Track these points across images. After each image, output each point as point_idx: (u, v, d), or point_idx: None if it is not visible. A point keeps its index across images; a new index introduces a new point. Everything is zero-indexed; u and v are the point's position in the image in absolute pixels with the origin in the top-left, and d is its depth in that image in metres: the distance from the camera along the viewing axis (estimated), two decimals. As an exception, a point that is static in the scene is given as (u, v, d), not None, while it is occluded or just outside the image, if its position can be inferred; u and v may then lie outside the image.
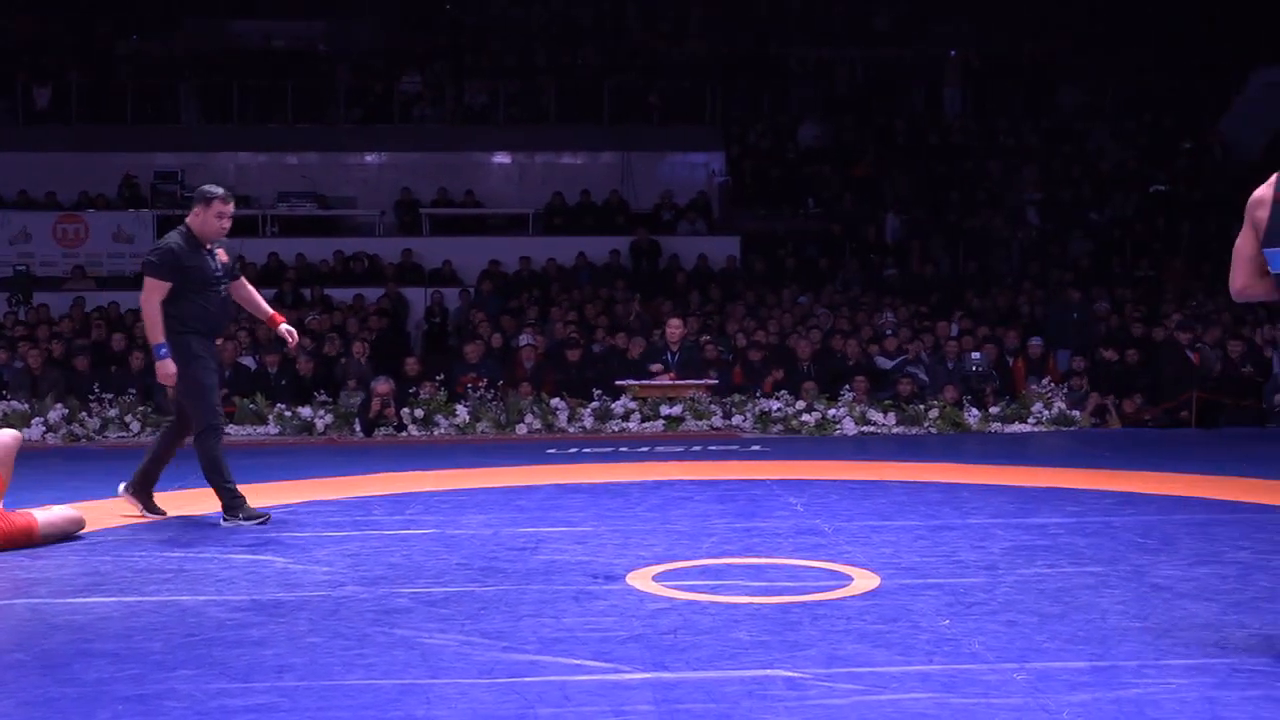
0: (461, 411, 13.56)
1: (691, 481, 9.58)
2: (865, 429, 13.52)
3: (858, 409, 13.67)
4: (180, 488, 9.11)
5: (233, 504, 7.59)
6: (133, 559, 6.68)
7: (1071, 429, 13.73)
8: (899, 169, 22.13)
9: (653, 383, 13.97)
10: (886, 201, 21.38)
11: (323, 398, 13.83)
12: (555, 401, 13.80)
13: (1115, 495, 8.70)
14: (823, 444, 12.69)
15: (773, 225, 21.03)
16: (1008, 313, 17.52)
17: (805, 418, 13.55)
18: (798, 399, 13.84)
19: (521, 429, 13.49)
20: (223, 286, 7.67)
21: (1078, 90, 24.35)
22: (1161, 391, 14.44)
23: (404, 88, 23.77)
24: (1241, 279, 4.81)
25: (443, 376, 14.28)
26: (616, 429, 13.50)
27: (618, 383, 14.01)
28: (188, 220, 7.60)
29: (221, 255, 7.69)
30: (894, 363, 15.05)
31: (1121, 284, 18.64)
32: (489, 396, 13.82)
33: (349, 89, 23.74)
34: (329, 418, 13.52)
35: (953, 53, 24.65)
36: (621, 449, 12.11)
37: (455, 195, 21.97)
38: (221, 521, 7.56)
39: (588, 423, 13.62)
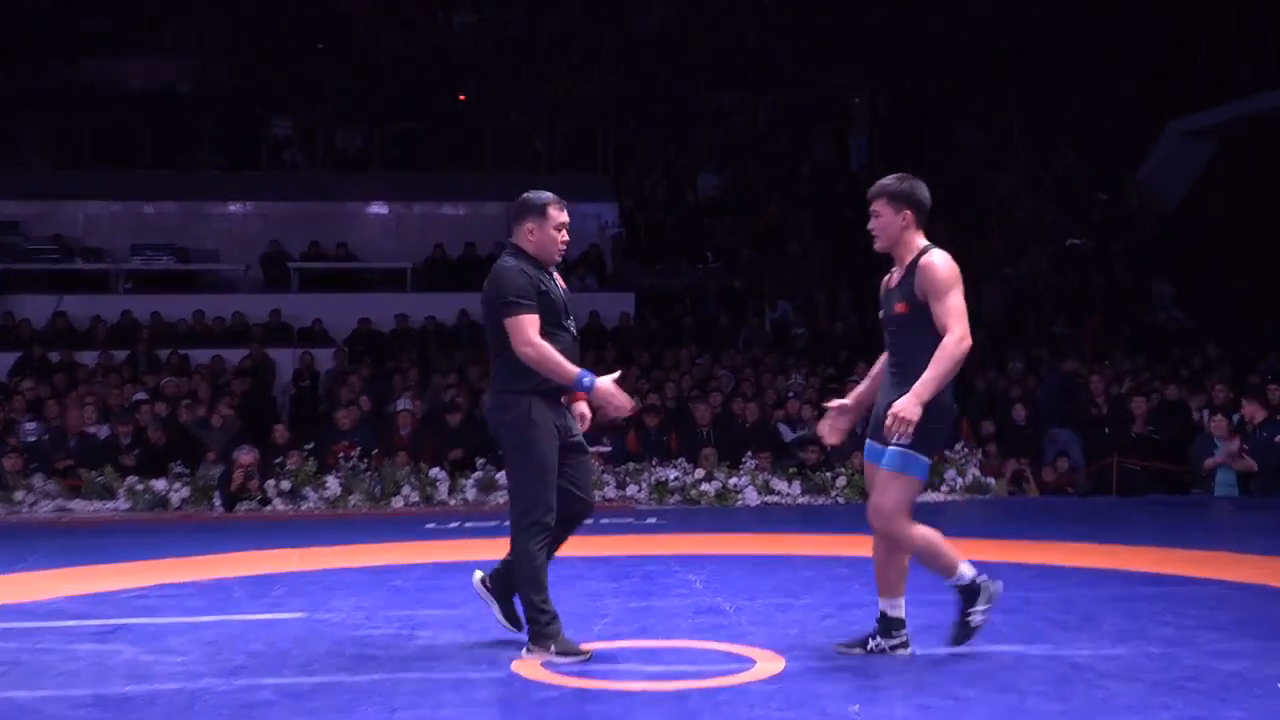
0: (332, 483, 13.42)
1: (582, 558, 9.51)
2: (769, 499, 13.57)
3: (760, 477, 13.72)
4: (20, 569, 8.91)
5: (545, 630, 6.19)
6: (-37, 651, 6.49)
7: (986, 498, 13.87)
8: (804, 219, 22.39)
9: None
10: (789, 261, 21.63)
11: (179, 469, 13.62)
12: (435, 471, 13.71)
13: (1033, 568, 8.79)
14: (724, 515, 12.71)
15: (669, 280, 21.14)
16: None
17: (705, 487, 13.58)
18: (696, 467, 13.86)
19: (398, 502, 13.38)
20: (573, 325, 6.36)
21: (983, 134, 24.81)
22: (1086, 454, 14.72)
23: (273, 132, 23.63)
24: None
25: (312, 445, 14.11)
26: (502, 501, 13.41)
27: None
28: (516, 242, 6.31)
29: (561, 282, 6.41)
30: (798, 431, 15.12)
31: (1036, 343, 18.93)
32: (362, 467, 13.70)
33: (212, 133, 23.54)
34: (185, 491, 13.33)
35: (857, 99, 25.05)
36: (506, 523, 12.05)
37: (327, 248, 21.81)
38: (525, 652, 6.17)
39: (471, 494, 13.54)
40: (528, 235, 6.28)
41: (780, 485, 13.66)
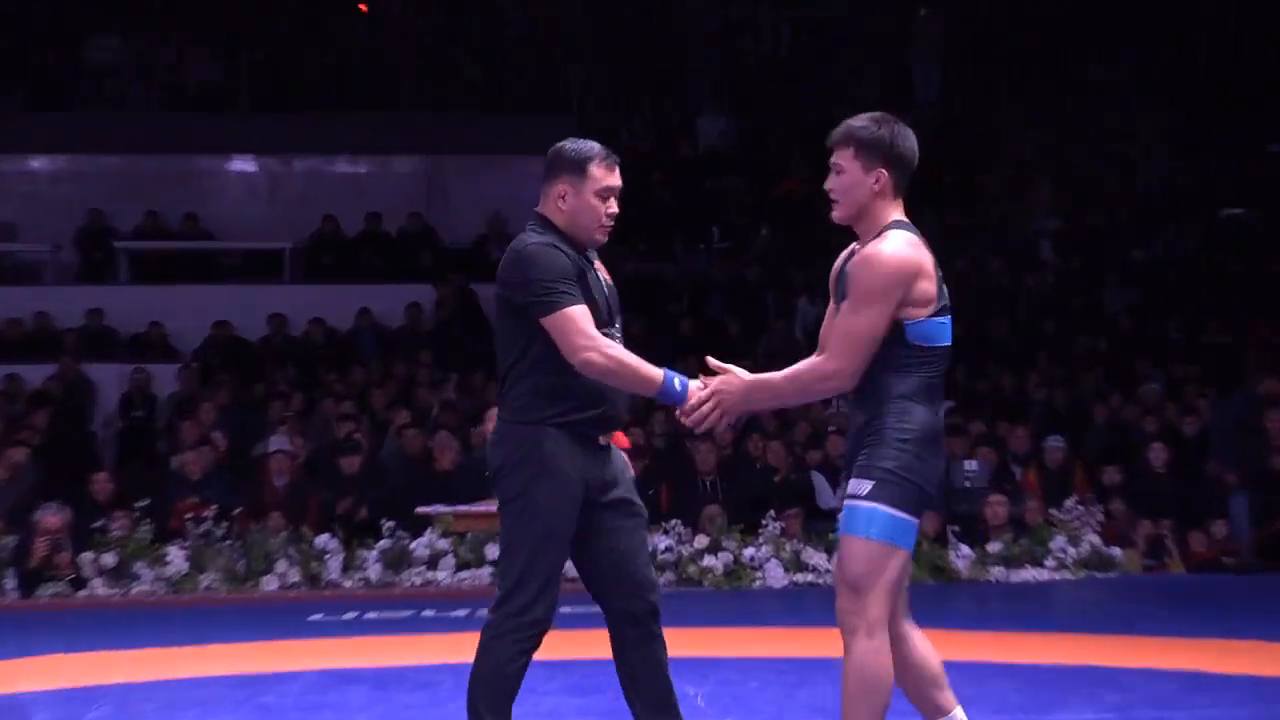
0: (176, 557, 13.39)
1: (537, 663, 9.45)
2: (799, 577, 13.53)
3: (787, 547, 13.68)
4: None
5: None
6: None
7: (1111, 575, 13.84)
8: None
9: (475, 509, 13.86)
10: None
11: (-46, 535, 13.59)
12: (322, 539, 13.68)
13: (1179, 677, 8.74)
14: (735, 601, 12.67)
15: (658, 266, 21.08)
16: (1013, 400, 17.68)
17: (709, 561, 13.53)
18: (696, 533, 13.81)
19: (270, 583, 13.36)
20: (619, 331, 6.19)
21: (1108, 68, 24.76)
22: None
23: (90, 56, 23.56)
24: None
25: (147, 502, 14.05)
26: (419, 581, 13.41)
27: (420, 510, 13.90)
28: (543, 211, 6.12)
29: (604, 272, 6.25)
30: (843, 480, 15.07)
31: (1179, 354, 18.90)
32: (219, 533, 13.65)
33: (7, 58, 23.48)
34: (-36, 568, 13.30)
35: (923, 11, 24.99)
36: (426, 613, 12.03)
37: (170, 221, 21.75)
38: None
39: (374, 572, 13.51)
40: (558, 202, 6.04)
41: (816, 558, 13.61)
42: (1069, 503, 14.52)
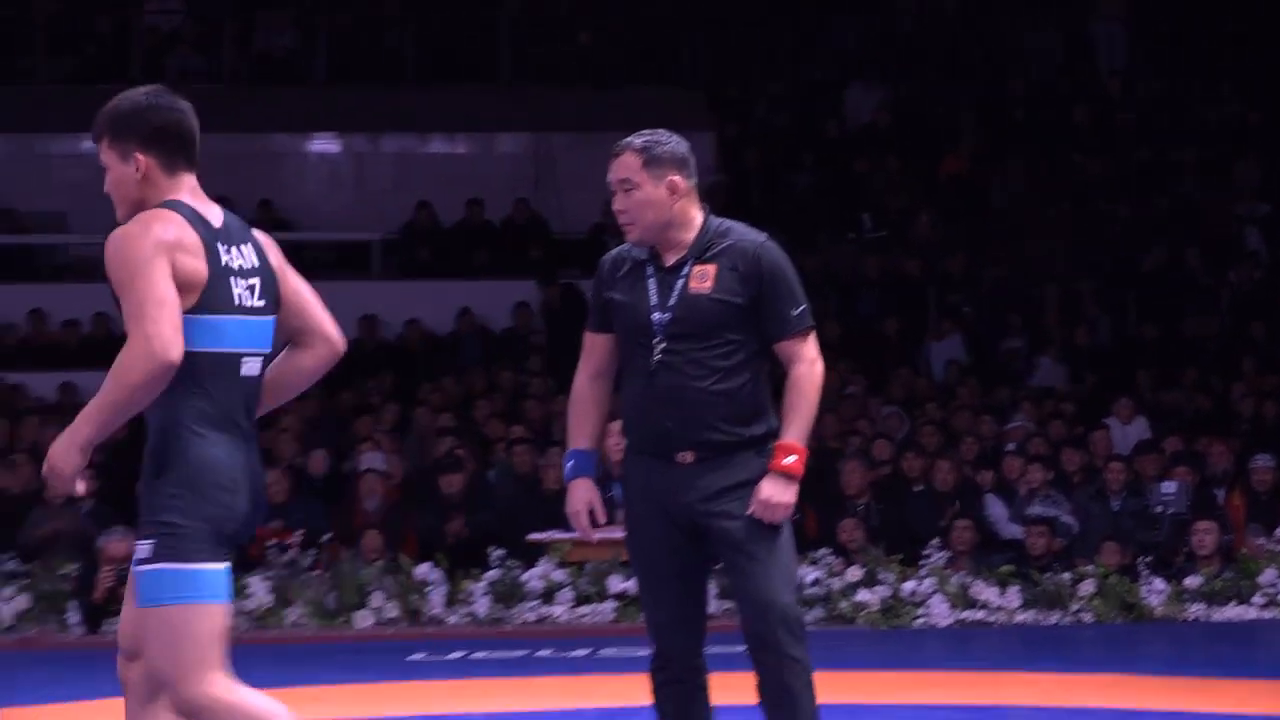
0: (259, 589, 13.55)
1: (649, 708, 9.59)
2: (968, 614, 13.57)
3: (954, 581, 13.73)
4: None
5: None
6: None
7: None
8: (1016, 160, 22.29)
9: (600, 536, 13.96)
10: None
11: (9, 566, 13.80)
12: (423, 569, 13.80)
13: None
14: (893, 641, 12.74)
15: (801, 259, 20.98)
16: (1214, 412, 17.62)
17: (863, 596, 13.59)
18: (849, 565, 13.88)
19: (365, 618, 13.49)
20: (660, 345, 6.20)
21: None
22: None
23: (147, 24, 23.80)
24: None
25: (224, 527, 14.26)
26: (532, 618, 13.51)
27: (533, 537, 14.02)
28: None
29: (699, 277, 6.23)
30: (1024, 506, 15.10)
31: None
32: (306, 562, 13.82)
33: (50, 26, 23.72)
34: (22, 601, 13.49)
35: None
36: (541, 652, 12.14)
37: (242, 209, 21.94)
38: None
39: (481, 607, 13.62)
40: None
41: (987, 593, 13.65)
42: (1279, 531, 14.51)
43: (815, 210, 21.85)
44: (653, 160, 6.10)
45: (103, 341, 19.37)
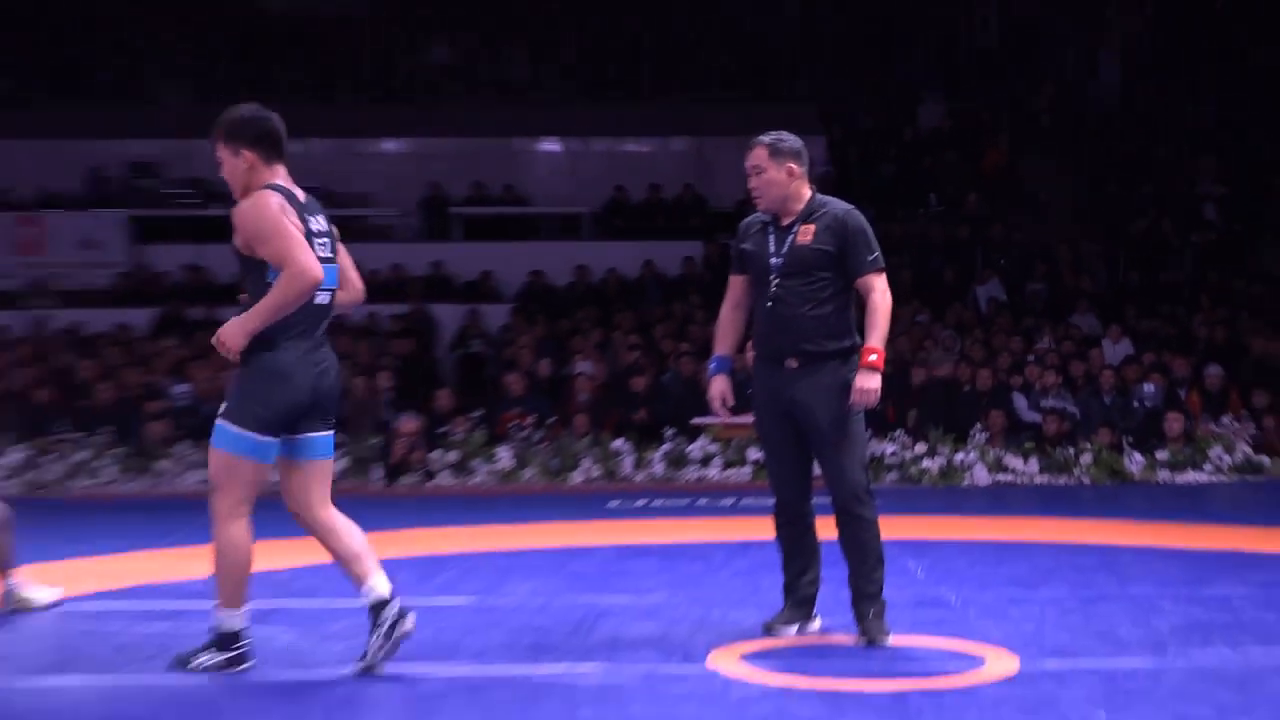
0: (504, 455, 13.65)
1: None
2: (1001, 477, 13.49)
3: (991, 453, 13.65)
4: (165, 546, 9.26)
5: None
6: (110, 633, 6.79)
7: (1260, 478, 13.60)
8: (1041, 156, 22.00)
9: (738, 420, 13.96)
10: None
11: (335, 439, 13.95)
12: (618, 443, 13.86)
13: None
14: (948, 496, 12.67)
15: (885, 227, 20.89)
16: (1179, 335, 17.38)
17: (926, 464, 13.55)
18: (916, 441, 13.83)
19: (577, 477, 13.56)
20: (775, 282, 6.38)
21: (1272, 52, 23.95)
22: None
23: (431, 60, 23.90)
24: None
25: (480, 413, 14.36)
26: (694, 477, 13.54)
27: (695, 421, 14.03)
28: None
29: (804, 233, 6.39)
30: (1038, 400, 14.96)
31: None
32: (537, 437, 13.90)
33: (363, 61, 23.87)
34: (343, 462, 13.63)
35: (1108, 10, 24.45)
36: (700, 501, 12.14)
37: (493, 191, 22.03)
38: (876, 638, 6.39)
39: (658, 469, 13.66)
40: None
41: (1014, 462, 13.57)
42: (1225, 419, 14.32)
43: (895, 192, 21.58)
44: (776, 153, 6.32)
45: (395, 283, 19.61)
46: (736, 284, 6.60)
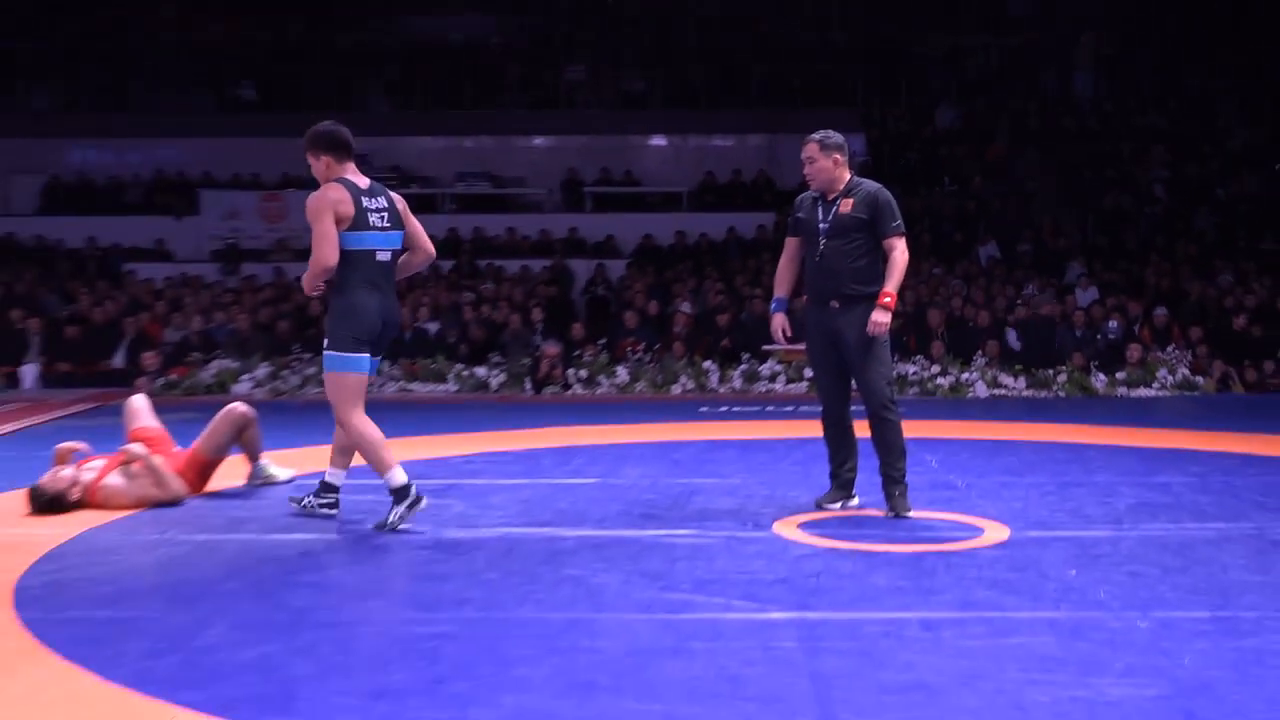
0: (621, 373, 13.66)
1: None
2: (997, 391, 13.32)
3: (989, 373, 13.47)
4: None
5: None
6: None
7: (1195, 394, 13.34)
8: (1030, 150, 21.64)
9: (795, 347, 13.87)
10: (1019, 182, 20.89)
11: (496, 359, 14.04)
12: (707, 364, 13.81)
13: (1238, 457, 8.46)
14: (956, 405, 12.52)
15: (908, 203, 20.69)
16: (1133, 283, 17.06)
17: (939, 381, 13.39)
18: (932, 364, 13.68)
19: (676, 389, 13.54)
20: (822, 242, 6.28)
21: (1203, 73, 23.51)
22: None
23: (568, 76, 23.87)
24: None
25: (604, 341, 14.36)
26: (763, 390, 13.49)
27: (764, 348, 13.96)
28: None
29: (845, 205, 6.28)
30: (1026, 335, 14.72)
31: (1244, 258, 17.99)
32: (646, 359, 13.89)
33: (518, 78, 23.92)
34: (502, 377, 13.71)
35: (1083, 37, 23.96)
36: (768, 408, 12.10)
37: (615, 175, 22.04)
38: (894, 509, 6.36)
39: (737, 384, 13.61)
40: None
41: (1007, 380, 13.38)
42: (1169, 349, 14.02)
43: (919, 176, 21.30)
44: (825, 147, 6.25)
45: (542, 244, 19.65)
46: (791, 244, 6.55)
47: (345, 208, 5.98)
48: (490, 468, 8.11)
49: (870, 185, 6.34)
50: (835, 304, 6.25)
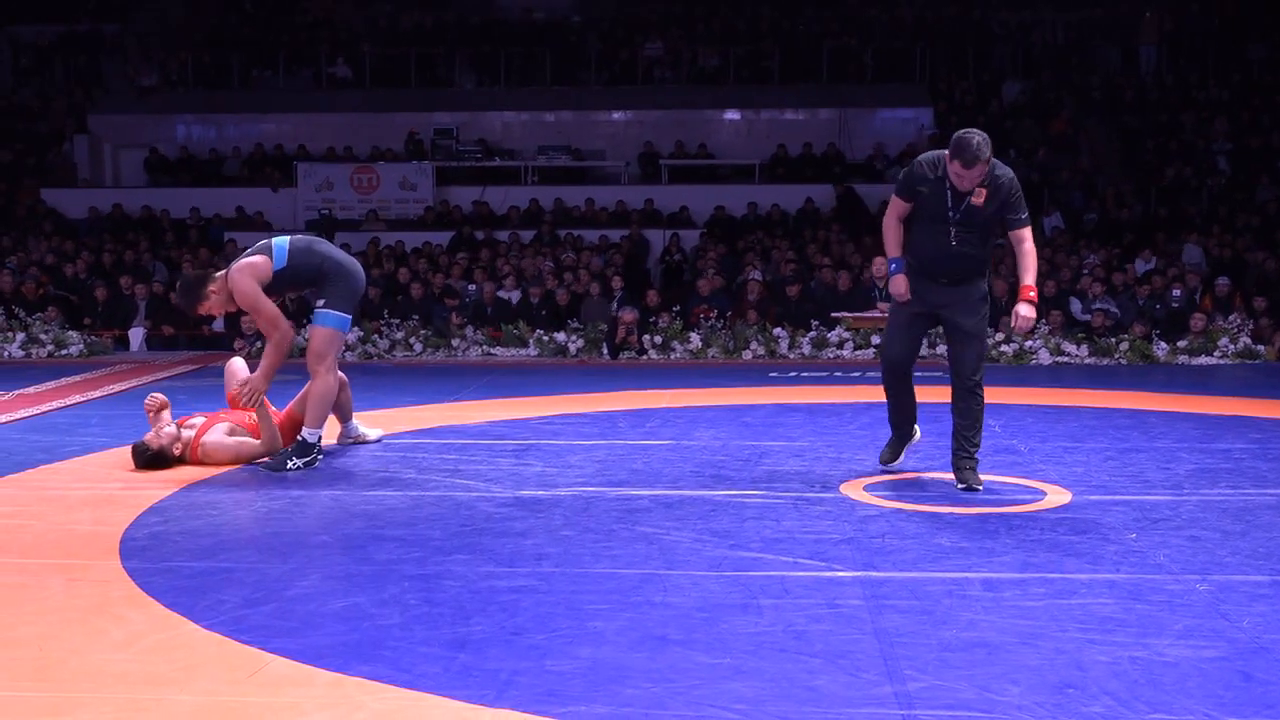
0: (695, 338, 13.60)
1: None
2: (1059, 359, 13.10)
3: (1053, 341, 13.25)
4: (457, 400, 9.38)
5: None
6: (417, 460, 6.92)
7: (1256, 362, 13.04)
8: (1094, 123, 21.22)
9: (865, 315, 13.77)
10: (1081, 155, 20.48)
11: (575, 324, 14.05)
12: (777, 331, 13.72)
13: (1298, 424, 8.25)
14: (1020, 372, 12.35)
15: (975, 175, 20.39)
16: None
17: (1004, 348, 13.20)
18: (996, 331, 13.49)
19: (747, 355, 13.47)
20: (954, 232, 5.98)
21: (1266, 47, 22.88)
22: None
23: (646, 53, 23.77)
24: None
25: (679, 307, 14.30)
26: (831, 356, 13.37)
27: (833, 315, 13.86)
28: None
29: (978, 196, 5.92)
30: (1088, 304, 14.46)
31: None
32: (719, 326, 13.83)
33: (598, 55, 23.88)
34: (580, 342, 13.72)
35: (1148, 13, 23.41)
36: (836, 374, 12.01)
37: (690, 148, 21.92)
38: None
39: (806, 350, 13.51)
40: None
41: (1070, 348, 13.15)
42: (1231, 317, 13.70)
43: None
44: (987, 159, 5.83)
45: (620, 214, 19.62)
46: (902, 206, 6.13)
47: (263, 271, 6.61)
48: (568, 429, 8.12)
49: (1001, 176, 5.93)
50: (945, 280, 6.07)
